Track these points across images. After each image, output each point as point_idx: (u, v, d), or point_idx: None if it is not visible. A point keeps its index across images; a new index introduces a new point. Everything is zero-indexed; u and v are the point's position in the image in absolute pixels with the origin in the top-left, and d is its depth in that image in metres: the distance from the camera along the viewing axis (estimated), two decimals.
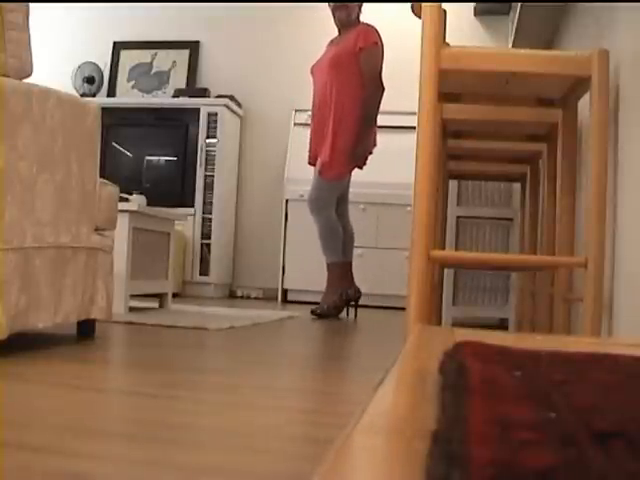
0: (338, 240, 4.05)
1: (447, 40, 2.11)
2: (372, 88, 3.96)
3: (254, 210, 6.08)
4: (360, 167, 4.06)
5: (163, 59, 6.28)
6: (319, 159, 4.02)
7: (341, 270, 4.07)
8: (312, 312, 3.96)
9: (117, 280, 3.26)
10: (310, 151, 4.14)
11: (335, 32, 4.21)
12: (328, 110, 3.99)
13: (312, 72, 4.18)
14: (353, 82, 3.97)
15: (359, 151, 3.97)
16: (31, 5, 2.04)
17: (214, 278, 5.62)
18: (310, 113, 4.23)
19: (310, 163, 4.15)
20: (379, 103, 4.00)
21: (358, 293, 4.08)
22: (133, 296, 3.63)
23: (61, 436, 1.07)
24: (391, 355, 2.25)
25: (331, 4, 4.10)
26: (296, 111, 5.80)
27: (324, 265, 4.20)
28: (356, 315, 4.12)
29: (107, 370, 1.83)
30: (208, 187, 5.63)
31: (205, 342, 2.48)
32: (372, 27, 4.00)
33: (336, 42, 4.12)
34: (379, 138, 4.15)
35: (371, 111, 3.98)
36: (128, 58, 6.34)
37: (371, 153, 4.05)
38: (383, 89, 4.00)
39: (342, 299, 4.04)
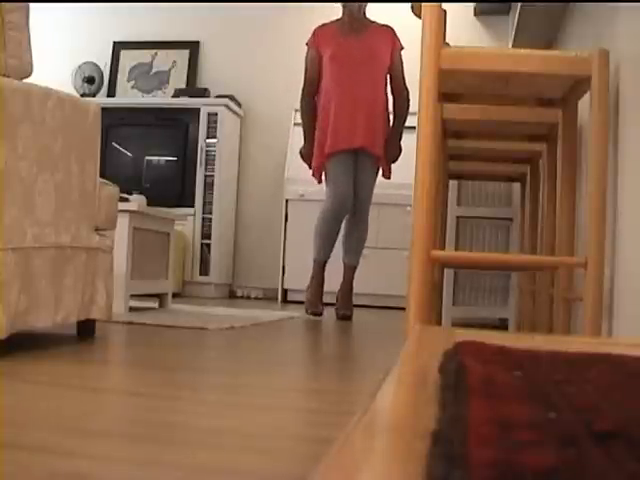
0: None
1: (447, 40, 2.11)
2: (406, 91, 4.00)
3: (254, 210, 6.09)
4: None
5: (163, 59, 6.29)
6: (372, 155, 3.90)
7: None
8: (342, 317, 3.91)
9: (117, 280, 3.26)
10: (337, 136, 3.83)
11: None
12: (372, 104, 3.86)
13: (332, 57, 3.89)
14: (385, 79, 3.99)
15: (396, 153, 4.01)
16: (31, 5, 2.04)
17: (214, 278, 5.62)
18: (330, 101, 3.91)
19: (329, 154, 3.84)
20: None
21: None
22: (133, 296, 3.63)
23: (61, 436, 1.07)
24: (391, 355, 2.25)
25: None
26: (296, 111, 5.77)
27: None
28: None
29: (107, 370, 1.83)
30: (208, 187, 5.63)
31: (205, 342, 2.48)
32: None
33: (355, 34, 3.92)
34: None
35: (406, 113, 4.01)
36: (128, 58, 6.34)
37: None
38: (408, 92, 4.04)
39: None
